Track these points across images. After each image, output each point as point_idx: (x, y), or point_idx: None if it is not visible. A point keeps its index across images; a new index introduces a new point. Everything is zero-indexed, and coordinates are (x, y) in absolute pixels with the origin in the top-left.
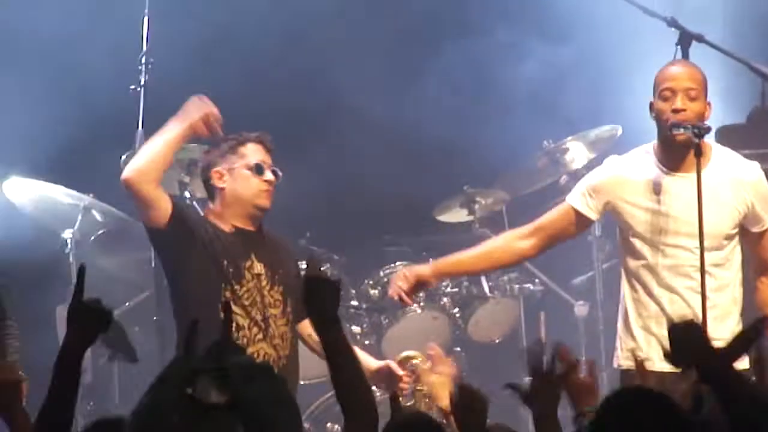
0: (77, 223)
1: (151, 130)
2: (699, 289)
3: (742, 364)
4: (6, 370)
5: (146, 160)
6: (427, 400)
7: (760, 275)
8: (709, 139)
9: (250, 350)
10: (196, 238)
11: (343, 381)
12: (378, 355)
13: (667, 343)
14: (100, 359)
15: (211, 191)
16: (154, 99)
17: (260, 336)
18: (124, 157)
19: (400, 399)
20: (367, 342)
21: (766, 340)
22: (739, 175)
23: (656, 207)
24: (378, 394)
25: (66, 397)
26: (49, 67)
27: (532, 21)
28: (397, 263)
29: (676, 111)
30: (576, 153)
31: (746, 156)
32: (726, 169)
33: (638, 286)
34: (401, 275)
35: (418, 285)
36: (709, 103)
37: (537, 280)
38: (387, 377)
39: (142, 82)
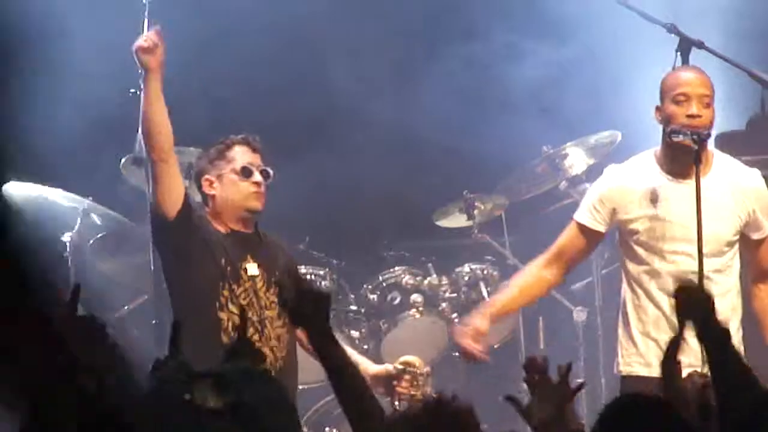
0: (76, 227)
1: None
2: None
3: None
4: None
5: (146, 124)
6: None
7: (758, 282)
8: (710, 146)
9: None
10: (198, 237)
11: (345, 392)
12: (376, 359)
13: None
14: None
15: (204, 198)
16: None
17: (256, 337)
18: (123, 160)
19: (398, 403)
20: (365, 347)
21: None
22: (740, 181)
23: (659, 213)
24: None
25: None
26: (48, 69)
27: (533, 24)
28: (396, 268)
29: (692, 117)
30: (575, 158)
31: (746, 162)
32: (728, 175)
33: (640, 292)
34: (464, 336)
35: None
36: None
37: None
38: (386, 382)
39: (142, 86)
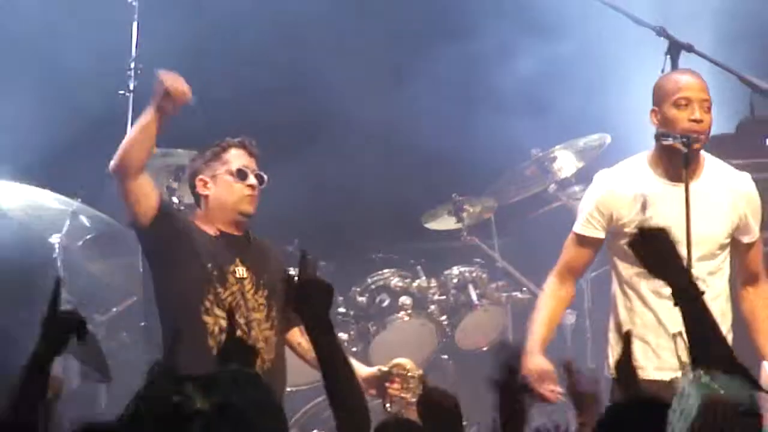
0: (65, 228)
1: None
2: None
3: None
4: None
5: (126, 149)
6: (413, 408)
7: (747, 286)
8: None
9: None
10: (181, 240)
11: (335, 385)
12: (365, 362)
13: (661, 352)
14: None
15: (197, 198)
16: (143, 103)
17: (243, 339)
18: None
19: (390, 406)
20: (354, 349)
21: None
22: (733, 185)
23: (653, 216)
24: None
25: (31, 401)
26: (37, 70)
27: (523, 24)
28: (385, 270)
29: (696, 121)
30: (564, 161)
31: (736, 166)
32: (720, 179)
33: (632, 294)
34: (540, 383)
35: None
36: None
37: (524, 288)
38: (377, 384)
39: (131, 87)
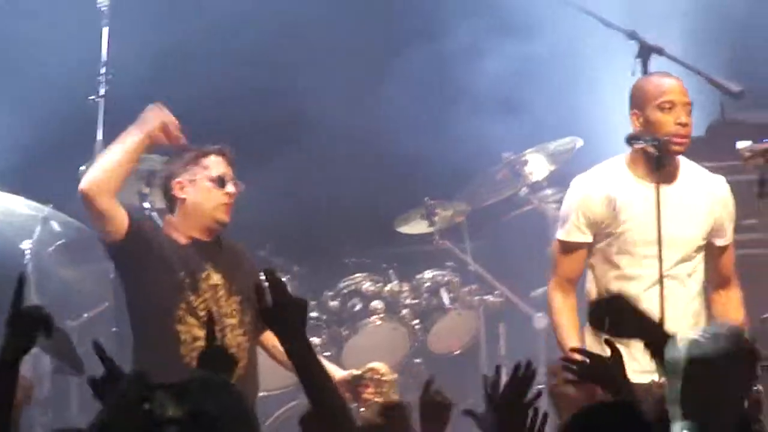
0: (36, 234)
1: (110, 141)
2: (672, 299)
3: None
4: None
5: (103, 171)
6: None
7: (717, 289)
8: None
9: None
10: (153, 252)
11: (314, 392)
12: (338, 366)
13: (638, 354)
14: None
15: (172, 202)
16: (113, 109)
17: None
18: (82, 168)
19: (364, 410)
20: (327, 353)
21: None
22: (709, 188)
23: (631, 218)
24: None
25: (1, 401)
26: (6, 76)
27: (495, 25)
28: (357, 275)
29: (681, 125)
30: (536, 165)
31: (707, 169)
32: (697, 181)
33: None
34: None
35: None
36: None
37: (497, 292)
38: (351, 387)
39: (102, 93)
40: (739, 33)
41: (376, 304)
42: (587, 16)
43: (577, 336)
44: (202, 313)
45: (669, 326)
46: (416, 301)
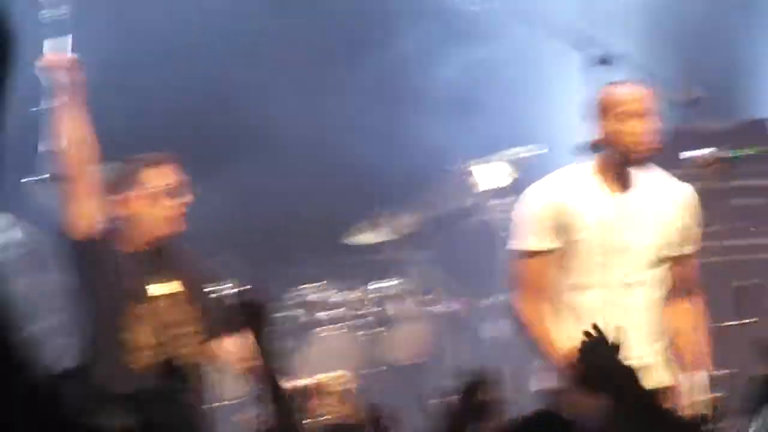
0: None
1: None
2: (638, 306)
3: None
4: None
5: (67, 155)
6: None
7: (680, 296)
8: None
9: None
10: (103, 257)
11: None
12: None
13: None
14: None
15: (115, 216)
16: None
17: (165, 355)
18: (24, 180)
19: (313, 421)
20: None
21: None
22: (677, 196)
23: (589, 226)
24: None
25: None
26: None
27: (447, 30)
28: (305, 285)
29: (640, 134)
30: (487, 174)
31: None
32: (664, 189)
33: (575, 304)
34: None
35: None
36: None
37: (447, 302)
38: (301, 398)
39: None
40: (694, 40)
41: (329, 313)
42: (539, 22)
43: (557, 342)
44: (151, 322)
45: (627, 336)
46: (368, 310)
